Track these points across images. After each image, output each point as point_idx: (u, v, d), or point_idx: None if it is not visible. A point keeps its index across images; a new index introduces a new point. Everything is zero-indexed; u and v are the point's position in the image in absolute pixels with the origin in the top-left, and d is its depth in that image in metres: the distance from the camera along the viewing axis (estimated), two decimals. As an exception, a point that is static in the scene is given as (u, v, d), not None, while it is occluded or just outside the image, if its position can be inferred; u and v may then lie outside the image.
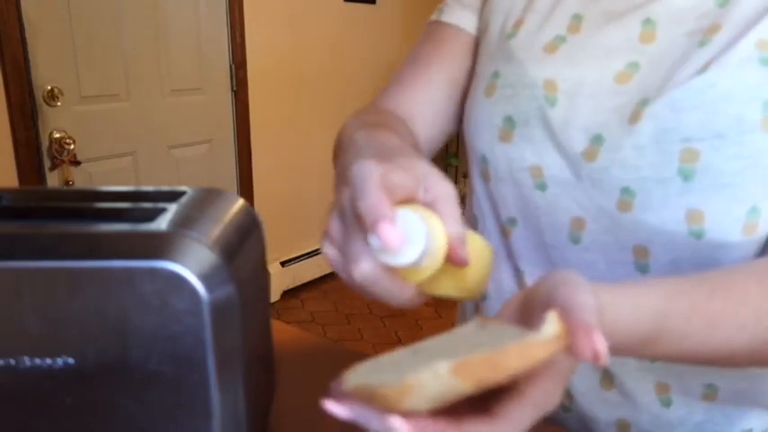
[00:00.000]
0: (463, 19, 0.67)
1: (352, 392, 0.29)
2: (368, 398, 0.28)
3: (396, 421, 0.27)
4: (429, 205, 0.35)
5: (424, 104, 0.67)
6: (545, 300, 0.32)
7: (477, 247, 0.37)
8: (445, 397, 0.27)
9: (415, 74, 0.68)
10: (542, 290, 0.33)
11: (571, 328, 0.29)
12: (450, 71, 0.67)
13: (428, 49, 0.68)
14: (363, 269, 0.33)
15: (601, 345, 0.28)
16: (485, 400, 0.30)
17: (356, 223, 0.34)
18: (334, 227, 0.36)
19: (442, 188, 0.35)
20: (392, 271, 0.33)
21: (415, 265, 0.33)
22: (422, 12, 3.31)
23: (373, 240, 0.32)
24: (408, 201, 0.35)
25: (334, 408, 0.30)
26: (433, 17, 0.69)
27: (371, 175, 0.33)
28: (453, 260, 0.34)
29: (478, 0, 0.66)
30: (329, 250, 0.37)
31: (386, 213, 0.32)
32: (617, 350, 0.36)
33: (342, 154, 0.50)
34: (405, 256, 0.32)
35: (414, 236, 0.32)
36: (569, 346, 0.29)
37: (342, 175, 0.40)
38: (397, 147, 0.44)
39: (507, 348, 0.27)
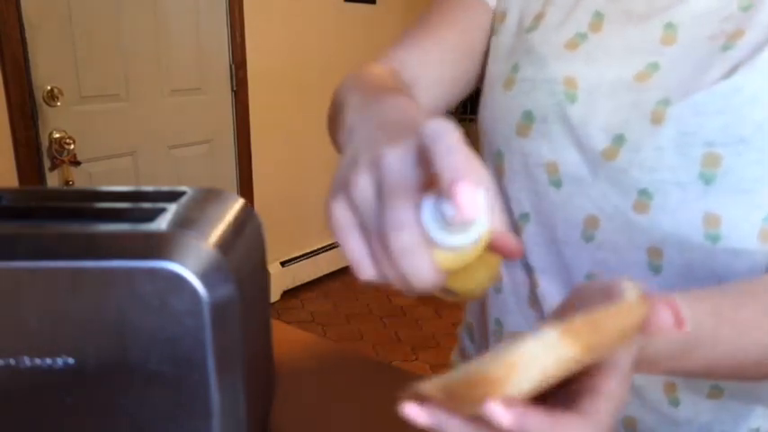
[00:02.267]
0: None
1: (431, 395, 0.27)
2: (450, 397, 0.26)
3: (496, 408, 0.25)
4: None
5: (432, 67, 0.64)
6: (601, 294, 0.32)
7: None
8: (549, 373, 0.25)
9: (423, 35, 0.65)
10: (591, 290, 0.33)
11: (649, 300, 0.29)
12: (463, 36, 0.65)
13: (441, 13, 0.66)
14: (406, 239, 0.28)
15: (684, 310, 0.29)
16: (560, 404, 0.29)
17: (403, 189, 0.29)
18: (363, 186, 0.30)
19: (485, 175, 0.31)
20: (430, 251, 0.29)
21: (462, 249, 0.29)
22: (422, 12, 3.30)
23: (436, 211, 0.28)
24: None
25: (415, 412, 0.27)
26: None
27: (454, 134, 0.28)
28: (503, 250, 0.31)
29: None
30: (343, 213, 0.30)
31: (474, 175, 0.27)
32: (650, 368, 0.36)
33: (343, 111, 0.46)
34: (465, 235, 0.28)
35: (480, 215, 0.27)
36: (648, 320, 0.29)
37: (356, 139, 0.35)
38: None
39: (605, 311, 0.27)
